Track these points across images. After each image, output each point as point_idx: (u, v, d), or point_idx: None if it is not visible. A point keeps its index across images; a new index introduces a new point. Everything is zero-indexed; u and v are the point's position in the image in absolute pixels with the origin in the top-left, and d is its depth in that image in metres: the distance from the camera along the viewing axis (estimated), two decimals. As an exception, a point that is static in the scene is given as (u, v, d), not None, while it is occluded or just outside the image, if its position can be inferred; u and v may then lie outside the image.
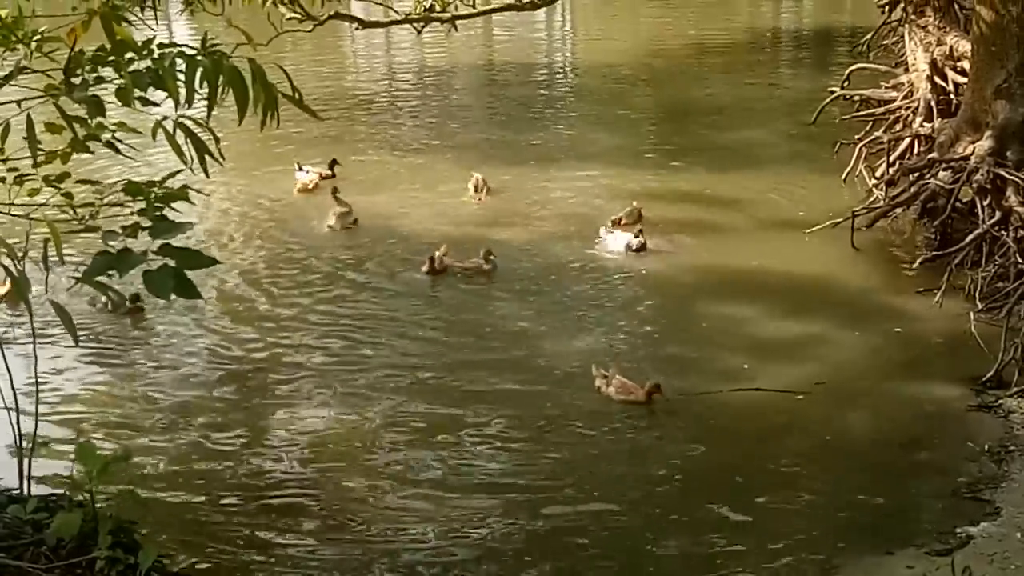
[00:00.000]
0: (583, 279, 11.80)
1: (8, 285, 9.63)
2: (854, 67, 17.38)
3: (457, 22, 12.12)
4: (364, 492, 8.08)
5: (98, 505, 6.00)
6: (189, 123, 4.94)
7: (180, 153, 4.88)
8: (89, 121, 5.34)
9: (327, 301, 11.40)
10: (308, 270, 12.24)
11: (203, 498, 8.03)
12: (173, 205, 5.33)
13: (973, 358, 9.63)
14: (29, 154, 5.14)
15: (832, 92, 16.52)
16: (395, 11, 12.43)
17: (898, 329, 10.43)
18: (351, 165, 15.53)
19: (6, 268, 5.01)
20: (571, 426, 8.91)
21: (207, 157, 4.96)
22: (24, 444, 6.42)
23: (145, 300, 10.84)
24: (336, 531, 7.62)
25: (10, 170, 5.68)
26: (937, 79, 14.14)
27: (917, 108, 14.33)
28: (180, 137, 4.91)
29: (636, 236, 12.17)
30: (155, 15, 9.99)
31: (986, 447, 8.40)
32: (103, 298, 10.67)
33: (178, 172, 5.49)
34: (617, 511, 7.83)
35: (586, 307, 11.13)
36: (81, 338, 10.15)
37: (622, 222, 12.75)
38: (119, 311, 10.83)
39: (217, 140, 5.01)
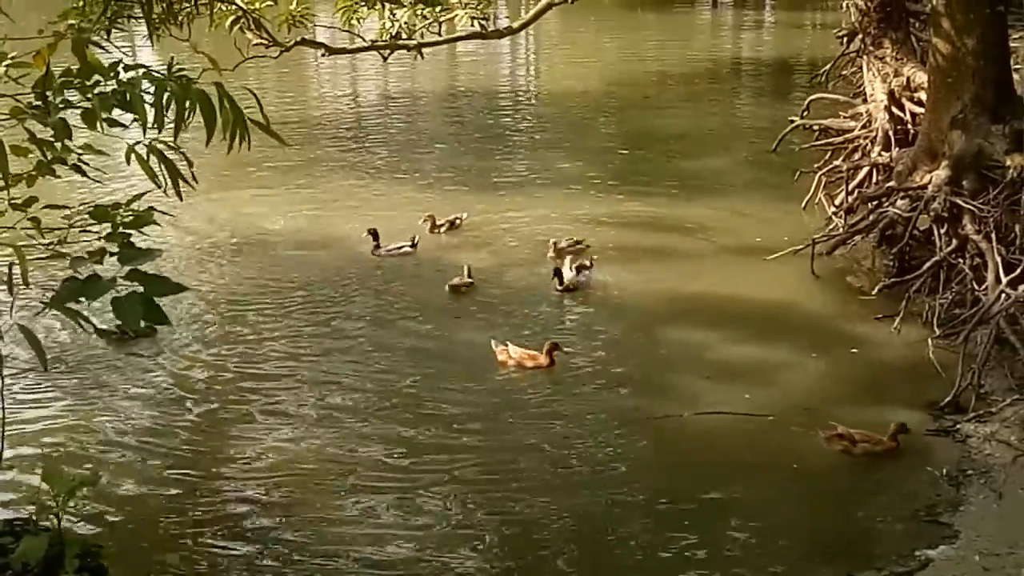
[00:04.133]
0: (545, 304, 11.87)
1: None
2: (813, 97, 17.64)
3: (423, 50, 12.15)
4: (330, 517, 8.07)
5: (64, 528, 5.96)
6: (161, 147, 4.95)
7: (153, 176, 4.89)
8: (55, 144, 5.33)
9: (295, 325, 11.40)
10: (276, 294, 12.24)
11: (170, 522, 8.00)
12: (141, 230, 5.33)
13: (931, 383, 9.78)
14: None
15: (792, 121, 16.75)
16: (361, 38, 12.44)
17: (857, 354, 10.56)
18: (313, 189, 15.61)
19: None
20: (532, 451, 8.94)
21: (179, 181, 4.98)
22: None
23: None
24: (303, 556, 7.60)
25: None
26: (895, 109, 14.37)
27: (875, 138, 14.54)
28: (152, 161, 4.92)
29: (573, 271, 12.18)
30: (149, 33, 9.89)
31: (944, 471, 8.52)
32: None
33: (144, 194, 5.50)
34: (578, 533, 7.87)
35: (548, 332, 11.17)
36: (54, 363, 10.14)
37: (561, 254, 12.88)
38: (137, 334, 10.75)
39: (191, 164, 5.03)
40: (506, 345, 10.45)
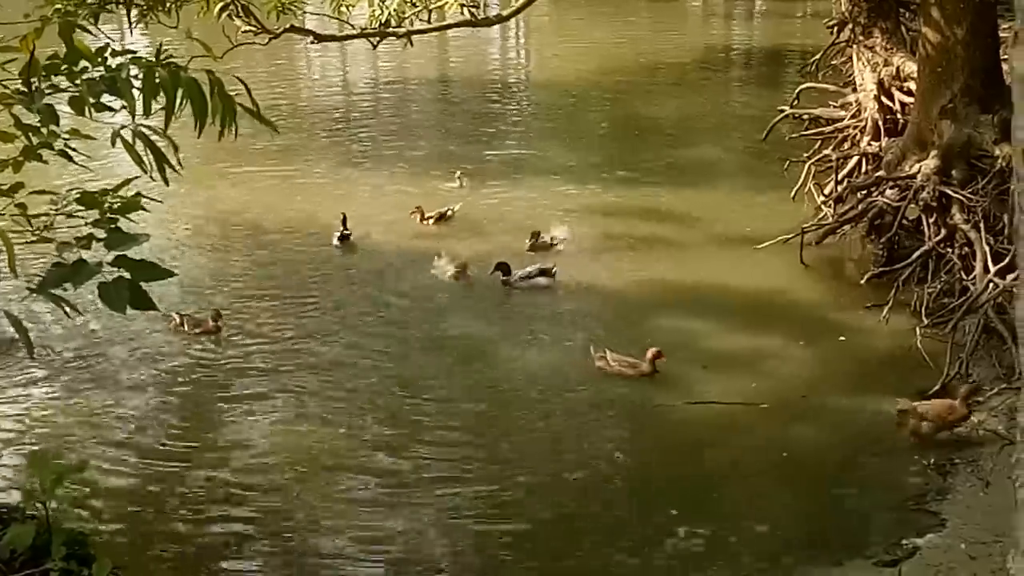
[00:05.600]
0: (536, 293, 11.85)
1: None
2: (803, 86, 17.60)
3: (413, 37, 12.11)
4: (317, 507, 8.07)
5: (52, 517, 5.95)
6: (147, 132, 4.92)
7: (140, 162, 4.86)
8: (42, 129, 5.29)
9: (284, 314, 11.39)
10: (265, 282, 12.22)
11: (157, 512, 8.00)
12: (129, 216, 5.30)
13: (919, 373, 9.81)
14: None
15: (782, 111, 16.71)
16: (351, 25, 12.41)
17: (846, 343, 10.59)
18: (303, 177, 15.56)
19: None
20: (525, 438, 8.96)
21: (165, 166, 4.95)
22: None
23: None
24: (290, 546, 7.61)
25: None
26: (884, 99, 14.35)
27: (865, 127, 14.53)
28: (139, 146, 4.88)
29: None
30: (129, 21, 9.87)
31: (932, 460, 8.57)
32: (177, 318, 10.65)
33: (132, 180, 5.47)
34: (570, 524, 7.88)
35: (538, 320, 11.19)
36: (41, 350, 10.10)
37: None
38: (195, 330, 10.74)
39: (176, 149, 5.00)
40: (604, 352, 9.98)
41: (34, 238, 5.47)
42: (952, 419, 8.74)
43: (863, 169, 14.10)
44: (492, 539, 7.76)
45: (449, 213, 13.82)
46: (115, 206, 5.24)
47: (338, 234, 13.16)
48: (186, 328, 10.79)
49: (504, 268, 11.87)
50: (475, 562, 7.56)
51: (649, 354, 9.78)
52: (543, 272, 11.90)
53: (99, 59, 5.07)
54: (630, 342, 10.71)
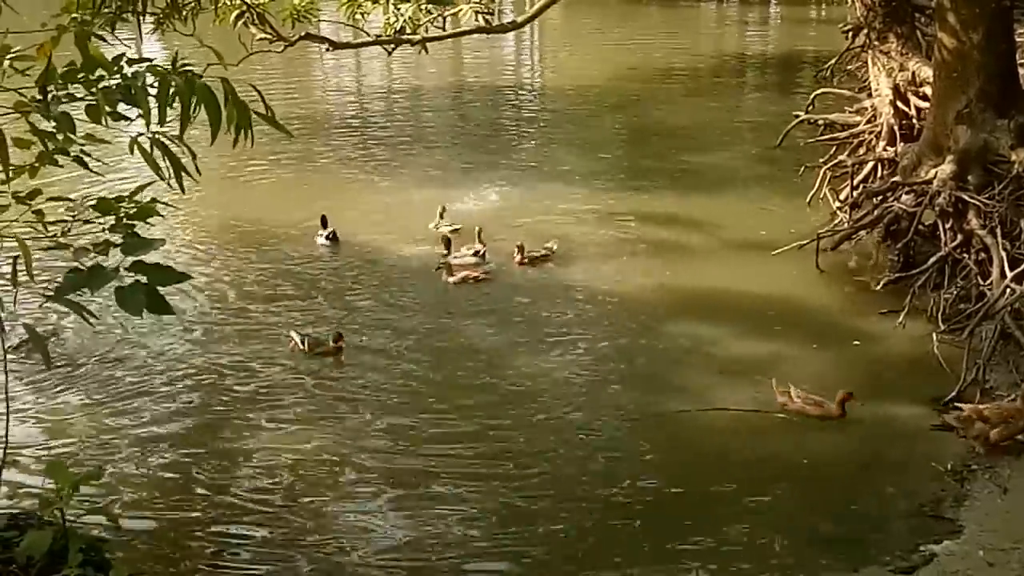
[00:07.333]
0: (550, 299, 11.85)
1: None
2: (819, 92, 17.58)
3: (427, 44, 12.13)
4: (335, 517, 8.06)
5: (69, 523, 5.96)
6: (164, 140, 4.95)
7: (156, 169, 4.88)
8: (57, 135, 5.32)
9: (297, 320, 11.38)
10: (281, 288, 12.24)
11: (173, 518, 7.99)
12: (146, 221, 5.32)
13: (936, 378, 9.76)
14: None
15: (797, 116, 16.70)
16: (366, 32, 12.45)
17: (862, 349, 10.55)
18: (319, 183, 15.62)
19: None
20: (539, 446, 8.93)
21: (182, 173, 4.97)
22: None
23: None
24: (305, 553, 7.60)
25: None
26: (900, 104, 14.31)
27: (880, 132, 14.49)
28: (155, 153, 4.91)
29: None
30: (139, 30, 9.96)
31: (949, 466, 8.50)
32: (299, 339, 10.57)
33: (148, 185, 5.49)
34: (587, 525, 7.86)
35: (552, 327, 11.16)
36: (59, 358, 10.12)
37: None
38: (315, 351, 10.56)
39: (194, 156, 5.02)
40: (788, 388, 9.47)
41: (51, 244, 5.49)
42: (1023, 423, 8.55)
43: (879, 174, 14.07)
44: (502, 536, 7.74)
45: (461, 228, 13.63)
46: (131, 212, 5.27)
47: (323, 235, 13.35)
48: (306, 349, 10.57)
49: (447, 243, 12.79)
50: (488, 559, 7.53)
51: (839, 396, 9.32)
52: (475, 253, 12.73)
53: (115, 67, 5.10)
54: (646, 347, 10.71)
